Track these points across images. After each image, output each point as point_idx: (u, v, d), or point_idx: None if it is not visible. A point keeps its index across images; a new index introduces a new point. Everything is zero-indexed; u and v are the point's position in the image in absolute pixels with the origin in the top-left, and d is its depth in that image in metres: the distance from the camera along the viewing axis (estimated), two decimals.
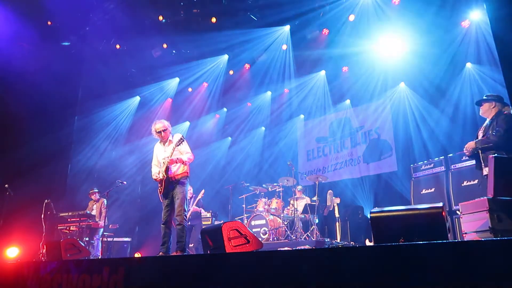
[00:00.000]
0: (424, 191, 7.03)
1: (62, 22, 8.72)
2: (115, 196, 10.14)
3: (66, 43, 9.17)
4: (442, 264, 2.12)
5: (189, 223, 8.37)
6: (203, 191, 8.72)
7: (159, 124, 5.36)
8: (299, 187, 8.91)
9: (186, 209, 5.18)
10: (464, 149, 4.76)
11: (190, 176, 5.42)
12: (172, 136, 5.45)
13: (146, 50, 9.69)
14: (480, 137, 4.69)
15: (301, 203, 8.46)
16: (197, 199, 8.60)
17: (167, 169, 5.14)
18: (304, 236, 7.54)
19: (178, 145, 5.14)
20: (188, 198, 8.57)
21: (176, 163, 5.19)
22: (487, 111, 4.70)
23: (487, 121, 4.72)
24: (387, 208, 3.10)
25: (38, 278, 4.29)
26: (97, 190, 8.59)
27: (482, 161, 4.57)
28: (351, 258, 2.47)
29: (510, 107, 4.59)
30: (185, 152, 5.28)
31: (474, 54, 7.89)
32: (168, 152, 5.22)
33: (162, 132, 5.35)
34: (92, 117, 10.42)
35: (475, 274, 2.02)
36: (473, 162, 5.68)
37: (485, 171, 4.53)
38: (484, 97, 4.80)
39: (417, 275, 2.17)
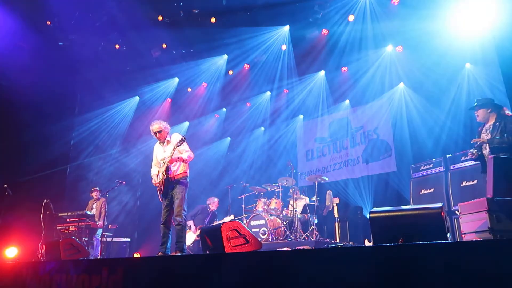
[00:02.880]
0: (423, 192, 7.04)
1: (61, 22, 8.71)
2: (114, 196, 10.13)
3: (65, 43, 9.15)
4: (441, 264, 2.12)
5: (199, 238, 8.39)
6: (232, 217, 8.36)
7: (155, 125, 5.38)
8: (293, 188, 8.73)
9: (186, 209, 5.18)
10: (471, 153, 4.71)
11: (189, 176, 5.43)
12: (170, 136, 5.46)
13: (145, 50, 9.68)
14: (484, 137, 4.67)
15: (300, 203, 8.45)
16: (222, 221, 8.24)
17: (167, 169, 5.15)
18: (303, 236, 7.53)
19: (178, 146, 5.15)
20: (209, 210, 8.55)
21: (177, 162, 5.21)
22: (485, 116, 4.76)
23: (488, 124, 4.74)
24: (386, 208, 3.11)
25: (37, 278, 4.28)
26: (98, 189, 8.59)
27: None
28: (350, 259, 2.47)
29: (506, 108, 4.66)
30: (184, 151, 5.29)
31: (473, 55, 7.89)
32: (168, 152, 5.23)
33: (158, 133, 5.38)
34: (91, 117, 10.42)
35: (474, 275, 2.02)
36: (472, 162, 5.72)
37: None
38: (476, 104, 4.85)
39: (416, 276, 2.17)
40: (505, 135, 4.43)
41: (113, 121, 11.03)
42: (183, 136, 5.22)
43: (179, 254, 4.93)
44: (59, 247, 5.28)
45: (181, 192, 5.14)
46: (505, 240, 2.13)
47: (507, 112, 4.63)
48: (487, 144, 4.59)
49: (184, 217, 5.09)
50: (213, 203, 8.80)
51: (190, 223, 8.46)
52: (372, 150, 9.78)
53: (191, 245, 8.30)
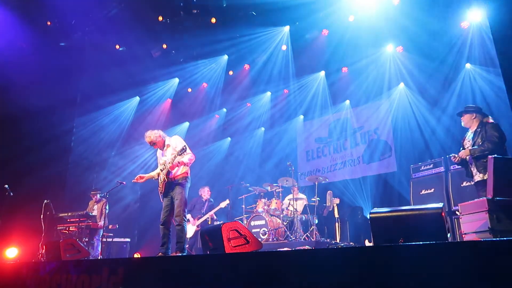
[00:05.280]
0: (423, 192, 7.03)
1: (61, 23, 8.71)
2: (115, 196, 10.13)
3: (66, 44, 9.16)
4: (441, 264, 2.12)
5: (201, 227, 8.45)
6: (227, 201, 8.63)
7: (147, 139, 5.43)
8: (296, 185, 8.74)
9: (186, 210, 5.19)
10: (454, 156, 4.89)
11: (190, 176, 5.43)
12: (170, 138, 5.48)
13: (145, 50, 9.68)
14: (467, 146, 4.84)
15: (300, 203, 8.46)
16: (218, 207, 8.57)
17: (168, 172, 5.18)
18: (303, 237, 7.53)
19: (180, 154, 5.13)
20: (204, 199, 8.68)
21: (178, 166, 5.22)
22: (469, 122, 4.91)
23: (470, 132, 4.89)
24: (386, 208, 3.11)
25: (37, 278, 4.29)
26: (98, 191, 8.60)
27: (476, 167, 4.66)
28: (351, 259, 2.47)
29: (490, 117, 4.82)
30: (185, 153, 5.28)
31: (473, 55, 7.91)
32: (168, 157, 5.28)
33: (153, 146, 5.46)
34: (92, 117, 10.42)
35: (474, 275, 2.03)
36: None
37: (478, 177, 4.62)
38: (465, 109, 5.01)
39: (416, 276, 2.17)
40: (485, 142, 4.57)
41: (114, 121, 11.03)
42: (183, 146, 5.18)
43: (179, 254, 4.93)
44: (60, 248, 5.28)
45: (181, 192, 5.15)
46: (505, 240, 2.13)
47: (490, 120, 4.75)
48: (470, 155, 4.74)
49: (184, 217, 5.09)
50: (204, 192, 8.86)
51: (188, 216, 8.51)
52: (372, 150, 9.78)
53: (192, 237, 8.34)
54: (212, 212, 8.56)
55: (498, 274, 1.97)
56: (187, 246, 7.86)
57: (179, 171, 5.25)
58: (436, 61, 8.24)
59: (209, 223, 8.62)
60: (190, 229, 8.39)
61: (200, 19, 8.76)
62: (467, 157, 4.77)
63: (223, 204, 8.56)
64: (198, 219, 8.49)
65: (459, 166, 6.52)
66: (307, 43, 9.29)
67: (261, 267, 2.80)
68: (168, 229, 5.19)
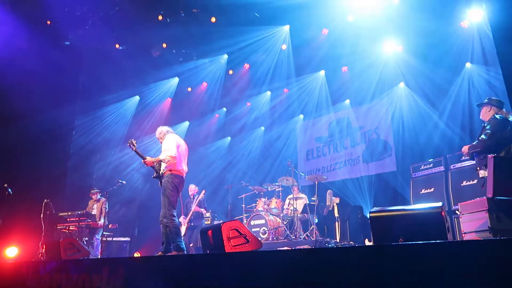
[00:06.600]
0: (423, 191, 7.04)
1: (61, 22, 8.71)
2: (115, 195, 10.13)
3: (66, 43, 9.16)
4: (441, 264, 2.12)
5: (192, 223, 8.42)
6: (203, 191, 8.60)
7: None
8: (295, 184, 8.77)
9: (169, 208, 5.04)
10: (462, 152, 4.86)
11: (180, 175, 5.36)
12: (167, 136, 5.53)
13: (145, 50, 9.68)
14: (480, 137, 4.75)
15: (300, 202, 8.46)
16: (197, 199, 8.50)
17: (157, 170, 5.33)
18: (303, 236, 7.54)
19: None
20: (190, 195, 8.67)
21: (153, 163, 5.25)
22: (485, 115, 4.82)
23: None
24: (386, 208, 3.11)
25: (37, 277, 4.29)
26: (98, 190, 8.60)
27: (477, 164, 4.66)
28: (351, 258, 2.47)
29: (506, 111, 4.69)
30: (163, 150, 5.25)
31: (473, 54, 7.90)
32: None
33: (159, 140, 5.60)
34: (92, 117, 10.43)
35: (474, 274, 2.03)
36: (472, 162, 5.75)
37: (481, 173, 4.61)
38: (485, 101, 4.90)
39: (417, 275, 2.17)
40: (477, 139, 4.53)
41: (114, 120, 11.04)
42: (166, 144, 5.24)
43: (176, 254, 4.90)
44: (60, 247, 5.28)
45: (163, 192, 5.10)
46: (505, 239, 2.13)
47: (501, 114, 4.63)
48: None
49: (168, 217, 4.98)
50: (191, 190, 8.79)
51: (181, 219, 8.45)
52: (372, 149, 9.78)
53: (185, 234, 8.29)
54: (194, 205, 8.48)
55: (498, 274, 1.97)
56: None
57: (162, 168, 5.29)
58: (436, 60, 8.23)
59: (205, 216, 8.59)
60: (182, 229, 8.34)
61: (200, 18, 8.75)
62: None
63: (200, 196, 8.43)
64: (188, 216, 8.46)
65: (459, 166, 6.60)
66: (307, 42, 9.28)
67: (261, 266, 2.80)
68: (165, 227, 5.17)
